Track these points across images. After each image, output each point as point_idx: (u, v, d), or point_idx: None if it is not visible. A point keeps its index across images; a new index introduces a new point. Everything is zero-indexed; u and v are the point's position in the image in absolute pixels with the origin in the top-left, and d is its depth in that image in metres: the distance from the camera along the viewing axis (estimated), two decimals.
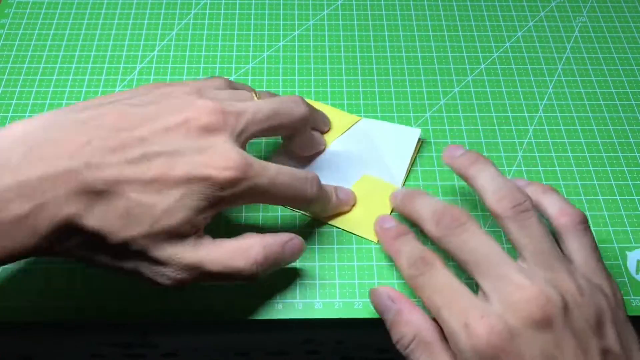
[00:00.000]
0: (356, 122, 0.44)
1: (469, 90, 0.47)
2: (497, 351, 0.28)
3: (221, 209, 0.32)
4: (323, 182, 0.37)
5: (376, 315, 0.36)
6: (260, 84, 0.46)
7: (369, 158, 0.42)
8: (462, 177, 0.36)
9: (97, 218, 0.28)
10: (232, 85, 0.37)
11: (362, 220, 0.39)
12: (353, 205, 0.40)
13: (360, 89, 0.46)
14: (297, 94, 0.46)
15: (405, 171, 0.41)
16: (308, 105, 0.38)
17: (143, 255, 0.30)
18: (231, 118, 0.32)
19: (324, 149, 0.42)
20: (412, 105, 0.46)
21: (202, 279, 0.32)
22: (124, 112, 0.31)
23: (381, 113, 0.45)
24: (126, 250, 0.30)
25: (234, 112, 0.33)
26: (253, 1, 0.52)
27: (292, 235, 0.35)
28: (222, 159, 0.31)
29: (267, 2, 0.52)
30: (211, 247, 0.32)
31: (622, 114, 0.46)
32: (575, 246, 0.32)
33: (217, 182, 0.31)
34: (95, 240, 0.29)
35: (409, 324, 0.32)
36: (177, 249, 0.30)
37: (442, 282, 0.31)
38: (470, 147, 0.43)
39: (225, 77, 0.37)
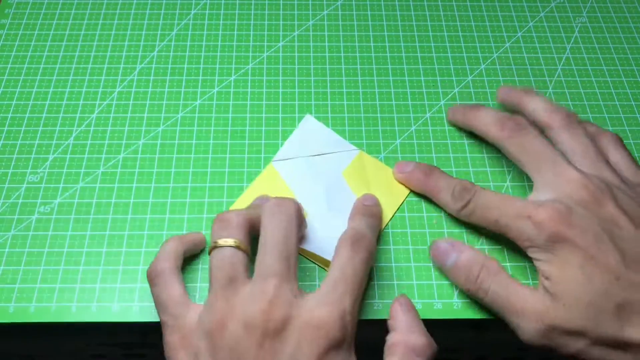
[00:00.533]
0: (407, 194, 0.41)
1: (469, 90, 0.47)
2: (563, 228, 0.32)
3: (354, 341, 0.31)
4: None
5: (375, 317, 0.36)
6: (260, 84, 0.46)
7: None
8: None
9: None
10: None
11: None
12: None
13: (360, 90, 0.46)
14: (296, 94, 0.46)
15: None
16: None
17: None
18: (278, 295, 0.30)
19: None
20: (412, 106, 0.46)
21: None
22: None
23: (381, 114, 0.45)
24: None
25: (274, 292, 0.30)
26: (253, 1, 0.52)
27: (396, 298, 0.35)
28: (315, 329, 0.29)
29: (266, 2, 0.52)
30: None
31: (621, 115, 0.46)
32: (618, 156, 0.38)
33: (335, 342, 0.29)
34: None
35: (474, 259, 0.36)
36: None
37: (490, 198, 0.36)
38: (470, 148, 0.43)
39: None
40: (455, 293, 0.37)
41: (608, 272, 0.31)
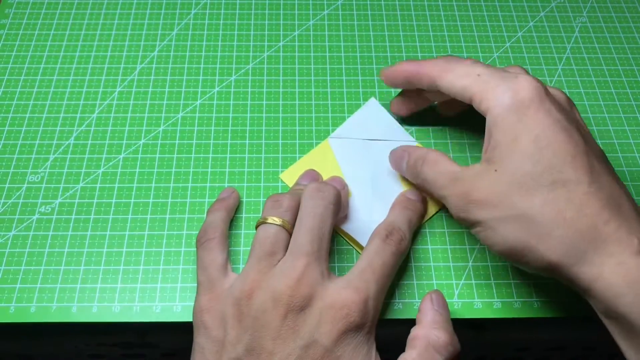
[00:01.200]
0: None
1: None
2: (544, 94, 0.32)
3: (375, 332, 0.32)
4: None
5: None
6: (260, 84, 0.46)
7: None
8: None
9: None
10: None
11: None
12: None
13: (360, 90, 0.46)
14: (297, 94, 0.46)
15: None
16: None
17: None
18: (308, 274, 0.31)
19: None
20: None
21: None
22: None
23: None
24: None
25: (304, 270, 0.31)
26: (253, 1, 0.52)
27: (429, 292, 0.35)
28: (337, 309, 0.30)
29: (267, 2, 0.52)
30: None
31: (622, 115, 0.46)
32: None
33: (354, 326, 0.30)
34: None
35: (419, 153, 0.36)
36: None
37: (476, 61, 0.35)
38: (471, 148, 0.43)
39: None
40: (456, 293, 0.37)
41: (565, 150, 0.30)
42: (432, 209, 0.40)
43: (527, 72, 0.35)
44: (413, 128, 0.44)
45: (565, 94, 0.35)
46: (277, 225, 0.33)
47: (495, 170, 0.31)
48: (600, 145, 0.44)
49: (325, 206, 0.34)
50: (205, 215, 0.39)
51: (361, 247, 0.38)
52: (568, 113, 0.33)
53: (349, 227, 0.38)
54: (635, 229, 0.29)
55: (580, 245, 0.29)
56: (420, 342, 0.32)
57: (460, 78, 0.34)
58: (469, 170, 0.33)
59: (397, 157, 0.39)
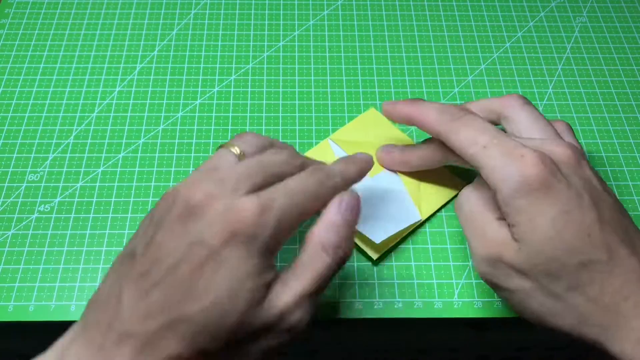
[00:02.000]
0: None
1: (469, 90, 0.47)
2: (552, 177, 0.31)
3: (274, 250, 0.30)
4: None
5: (375, 315, 0.36)
6: (260, 84, 0.46)
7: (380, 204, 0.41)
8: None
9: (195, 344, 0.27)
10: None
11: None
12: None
13: (360, 90, 0.46)
14: (296, 94, 0.46)
15: (386, 236, 0.38)
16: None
17: (255, 340, 0.29)
18: (220, 182, 0.30)
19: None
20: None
21: (310, 302, 0.30)
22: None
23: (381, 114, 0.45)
24: (238, 351, 0.28)
25: (218, 178, 0.30)
26: (253, 1, 0.52)
27: (342, 194, 0.32)
28: (232, 212, 0.28)
29: (267, 2, 0.52)
30: (293, 275, 0.30)
31: (622, 114, 0.46)
32: (571, 140, 0.37)
33: (246, 231, 0.28)
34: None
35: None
36: (273, 307, 0.29)
37: (485, 123, 0.34)
38: None
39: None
40: (456, 292, 0.37)
41: (581, 229, 0.30)
42: (428, 211, 0.40)
43: (550, 138, 0.34)
44: (413, 128, 0.44)
45: (572, 149, 0.33)
46: (234, 154, 0.32)
47: (520, 249, 0.31)
48: (600, 145, 0.44)
49: (284, 161, 0.32)
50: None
51: (368, 242, 0.38)
52: (578, 180, 0.32)
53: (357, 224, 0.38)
54: None
55: (606, 324, 0.30)
56: (311, 241, 0.31)
57: (466, 145, 0.33)
58: (500, 233, 0.33)
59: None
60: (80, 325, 0.29)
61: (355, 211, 0.32)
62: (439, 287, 0.37)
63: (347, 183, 0.33)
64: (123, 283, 0.28)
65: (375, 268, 0.38)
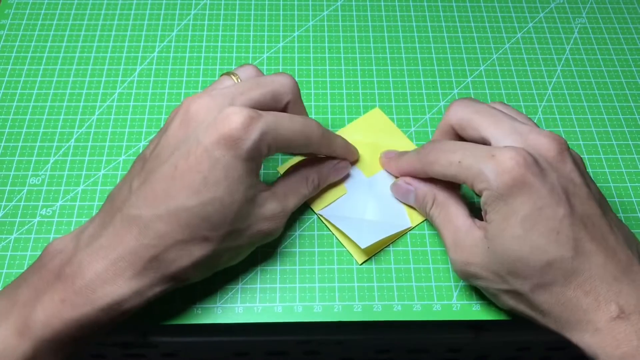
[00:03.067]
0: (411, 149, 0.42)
1: (468, 92, 0.47)
2: (526, 173, 0.32)
3: (258, 159, 0.34)
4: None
5: (374, 318, 0.36)
6: None
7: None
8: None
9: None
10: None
11: None
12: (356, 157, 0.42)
13: (360, 91, 0.46)
14: None
15: (373, 242, 0.38)
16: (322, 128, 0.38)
17: (245, 231, 0.34)
18: (218, 96, 0.34)
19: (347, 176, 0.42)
20: (412, 107, 0.46)
21: (288, 214, 0.37)
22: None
23: None
24: (232, 240, 0.34)
25: (217, 93, 0.34)
26: (253, 2, 0.52)
27: (338, 160, 0.40)
28: (224, 116, 0.32)
29: (266, 3, 0.52)
30: (281, 190, 0.36)
31: (620, 116, 0.46)
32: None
33: (234, 134, 0.32)
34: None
35: (427, 192, 0.38)
36: (263, 207, 0.35)
37: (454, 143, 0.36)
38: None
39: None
40: (455, 295, 0.37)
41: (551, 227, 0.31)
42: (418, 219, 0.40)
43: (534, 130, 0.34)
44: (412, 129, 0.44)
45: (555, 142, 0.34)
46: (232, 80, 0.36)
47: (488, 248, 0.33)
48: (599, 147, 0.44)
49: (281, 83, 0.36)
50: None
51: (355, 245, 0.38)
52: (554, 174, 0.33)
53: (343, 225, 0.39)
54: (616, 292, 0.31)
55: (567, 317, 0.32)
56: (300, 173, 0.38)
57: (446, 169, 0.35)
58: (469, 236, 0.35)
59: (403, 192, 0.40)
60: (97, 213, 0.34)
61: (338, 175, 0.40)
62: (437, 290, 0.38)
63: (330, 144, 0.39)
64: (134, 177, 0.33)
65: (374, 271, 0.38)
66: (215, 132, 0.32)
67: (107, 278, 0.31)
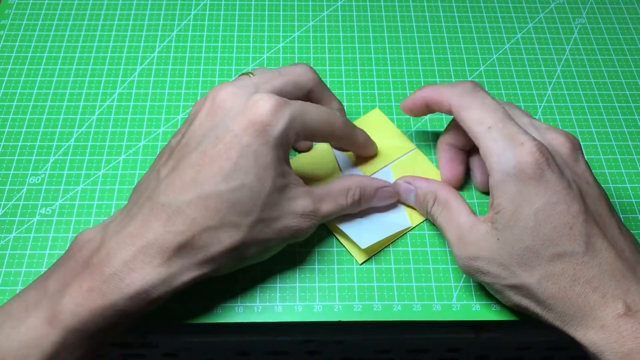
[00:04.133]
0: (411, 150, 0.43)
1: None
2: (546, 165, 0.32)
3: (286, 146, 0.34)
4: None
5: (374, 318, 0.36)
6: None
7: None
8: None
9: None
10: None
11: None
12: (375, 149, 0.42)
13: (360, 91, 0.46)
14: None
15: (373, 242, 0.38)
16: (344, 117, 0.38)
17: (274, 223, 0.34)
18: (243, 86, 0.35)
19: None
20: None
21: (320, 220, 0.36)
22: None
23: None
24: (260, 230, 0.33)
25: (242, 84, 0.35)
26: (253, 2, 0.52)
27: (387, 182, 0.39)
28: (252, 103, 0.33)
29: (266, 3, 0.52)
30: (319, 193, 0.36)
31: (620, 116, 0.46)
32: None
33: (263, 119, 0.32)
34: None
35: (428, 191, 0.38)
36: (295, 201, 0.34)
37: (497, 105, 0.35)
38: None
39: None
40: (455, 295, 0.37)
41: (564, 221, 0.32)
42: (418, 219, 0.40)
43: (550, 127, 0.35)
44: (412, 130, 0.44)
45: (570, 141, 0.35)
46: (251, 78, 0.36)
47: (498, 239, 0.33)
48: (599, 147, 0.44)
49: (302, 72, 0.38)
50: None
51: (355, 245, 0.38)
52: (570, 172, 0.33)
53: (345, 226, 0.39)
54: (624, 289, 0.31)
55: (572, 312, 0.32)
56: (342, 184, 0.37)
57: (473, 123, 0.35)
58: (474, 231, 0.35)
59: (403, 192, 0.40)
60: (125, 205, 0.34)
61: (383, 200, 0.39)
62: (437, 290, 0.38)
63: (352, 135, 0.39)
64: (161, 167, 0.34)
65: (374, 271, 0.38)
66: (245, 118, 0.32)
67: (135, 266, 0.31)
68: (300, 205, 0.34)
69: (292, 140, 0.34)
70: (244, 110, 0.33)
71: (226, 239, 0.32)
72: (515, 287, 0.33)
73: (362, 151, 0.41)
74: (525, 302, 0.34)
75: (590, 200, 0.33)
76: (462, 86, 0.37)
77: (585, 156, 0.43)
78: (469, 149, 0.41)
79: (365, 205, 0.38)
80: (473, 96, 0.36)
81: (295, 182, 0.35)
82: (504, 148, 0.33)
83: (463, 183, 0.41)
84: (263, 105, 0.32)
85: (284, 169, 0.34)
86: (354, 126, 0.39)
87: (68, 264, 0.31)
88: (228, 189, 0.32)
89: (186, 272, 0.32)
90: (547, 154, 0.32)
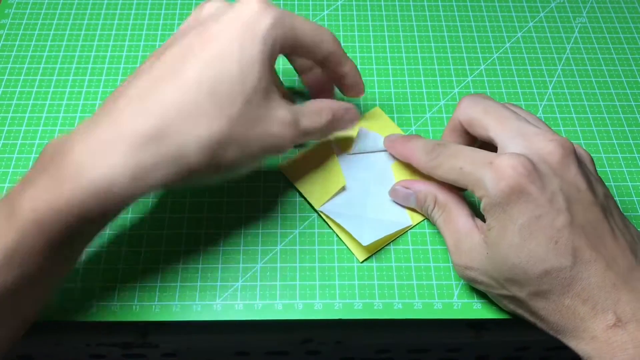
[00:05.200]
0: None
1: (468, 91, 0.47)
2: (523, 181, 0.31)
3: (272, 47, 0.33)
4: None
5: (375, 316, 0.36)
6: None
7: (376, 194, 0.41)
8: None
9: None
10: None
11: None
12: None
13: None
14: (296, 95, 0.46)
15: (375, 239, 0.38)
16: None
17: (258, 125, 0.33)
18: None
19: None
20: (412, 106, 0.46)
21: (301, 137, 0.35)
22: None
23: None
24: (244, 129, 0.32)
25: None
26: None
27: (352, 105, 0.39)
28: (244, 3, 0.33)
29: None
30: (300, 110, 0.35)
31: (621, 115, 0.46)
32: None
33: (250, 14, 0.32)
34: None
35: (428, 194, 0.38)
36: (278, 110, 0.33)
37: (457, 148, 0.35)
38: None
39: None
40: (455, 293, 0.37)
41: (549, 236, 0.31)
42: (419, 217, 0.40)
43: (541, 133, 0.34)
44: (413, 128, 0.44)
45: (560, 147, 0.33)
46: None
47: (487, 254, 0.33)
48: (600, 147, 0.44)
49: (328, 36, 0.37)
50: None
51: (356, 243, 0.38)
52: (556, 181, 0.32)
53: (344, 223, 0.38)
54: (614, 300, 0.31)
55: (564, 324, 0.32)
56: (325, 105, 0.37)
57: (449, 174, 0.35)
58: (469, 239, 0.35)
59: (402, 197, 0.39)
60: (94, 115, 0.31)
61: (350, 120, 0.39)
62: (438, 288, 0.37)
63: (342, 58, 0.38)
64: (140, 67, 0.33)
65: (374, 269, 0.38)
66: (232, 14, 0.32)
67: (97, 156, 0.28)
68: (282, 114, 0.33)
69: (278, 43, 0.33)
70: (231, 9, 0.33)
71: (202, 131, 0.30)
72: (508, 298, 0.34)
73: (348, 83, 0.40)
74: (520, 312, 0.34)
75: (580, 208, 0.32)
76: (430, 152, 0.37)
77: None
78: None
79: (338, 127, 0.38)
80: (439, 157, 0.36)
81: (278, 93, 0.34)
82: (480, 176, 0.33)
83: None
84: (251, 3, 0.33)
85: (268, 74, 0.33)
86: (345, 52, 0.38)
87: (33, 167, 0.30)
88: (208, 77, 0.30)
89: (156, 168, 0.29)
90: (527, 167, 0.31)
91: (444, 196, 0.37)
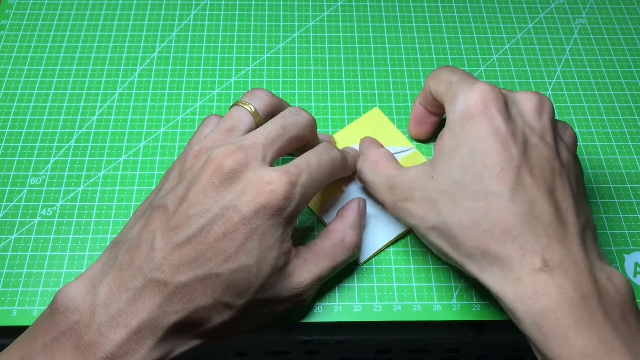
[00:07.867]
0: (409, 149, 0.43)
1: None
2: (492, 105, 0.32)
3: (294, 222, 0.33)
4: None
5: (374, 319, 0.36)
6: (260, 86, 0.46)
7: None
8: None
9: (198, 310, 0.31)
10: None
11: None
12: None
13: (360, 91, 0.46)
14: (296, 96, 0.46)
15: (375, 250, 0.39)
16: (308, 114, 0.37)
17: (269, 302, 0.33)
18: (250, 150, 0.32)
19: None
20: (412, 107, 0.46)
21: (319, 283, 0.35)
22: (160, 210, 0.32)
23: None
24: (254, 309, 0.32)
25: (248, 145, 0.32)
26: (253, 2, 0.52)
27: (358, 198, 0.39)
28: (264, 183, 0.31)
29: (266, 3, 0.52)
30: (314, 257, 0.34)
31: (620, 116, 0.46)
32: None
33: (276, 204, 0.31)
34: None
35: (362, 149, 0.40)
36: (291, 278, 0.33)
37: (457, 69, 0.36)
38: None
39: (214, 115, 0.38)
40: (455, 295, 0.37)
41: (495, 161, 0.31)
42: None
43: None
44: None
45: (537, 99, 0.33)
46: (248, 111, 0.35)
47: (432, 177, 0.33)
48: (599, 148, 0.44)
49: (305, 124, 0.36)
50: None
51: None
52: (522, 125, 0.32)
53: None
54: (544, 245, 0.30)
55: (489, 260, 0.31)
56: (336, 235, 0.36)
57: (440, 84, 0.36)
58: (407, 174, 0.35)
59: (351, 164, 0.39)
60: (111, 260, 0.31)
61: (364, 213, 0.38)
62: (437, 290, 0.38)
63: (351, 168, 0.38)
64: (156, 232, 0.31)
65: (374, 271, 0.38)
66: (256, 201, 0.31)
67: (129, 349, 0.29)
68: (295, 283, 0.33)
69: (302, 209, 0.33)
70: (255, 190, 0.31)
71: (217, 319, 0.31)
72: (437, 229, 0.33)
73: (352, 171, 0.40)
74: (446, 247, 0.33)
75: (536, 154, 0.31)
76: (434, 72, 0.38)
77: (585, 155, 0.43)
78: (441, 114, 0.42)
79: (364, 222, 0.39)
80: (440, 69, 0.37)
81: (292, 255, 0.33)
82: (457, 93, 0.33)
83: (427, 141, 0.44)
84: (276, 189, 0.31)
85: (285, 246, 0.32)
86: (344, 152, 0.38)
87: (53, 333, 0.29)
88: (227, 271, 0.30)
89: (178, 348, 0.31)
90: (497, 94, 0.32)
91: (374, 152, 0.38)
